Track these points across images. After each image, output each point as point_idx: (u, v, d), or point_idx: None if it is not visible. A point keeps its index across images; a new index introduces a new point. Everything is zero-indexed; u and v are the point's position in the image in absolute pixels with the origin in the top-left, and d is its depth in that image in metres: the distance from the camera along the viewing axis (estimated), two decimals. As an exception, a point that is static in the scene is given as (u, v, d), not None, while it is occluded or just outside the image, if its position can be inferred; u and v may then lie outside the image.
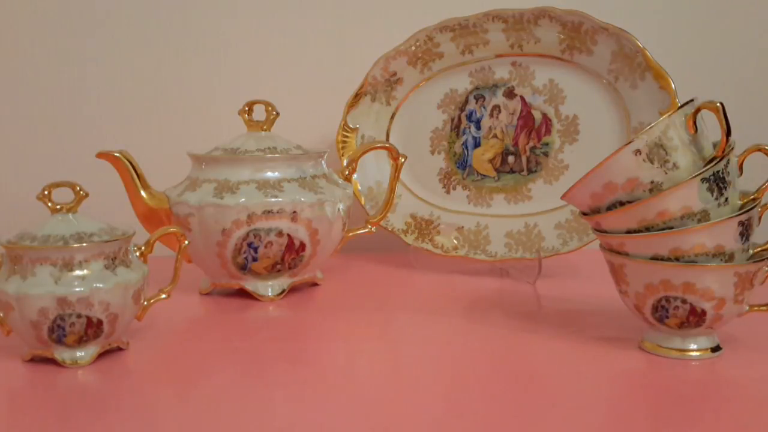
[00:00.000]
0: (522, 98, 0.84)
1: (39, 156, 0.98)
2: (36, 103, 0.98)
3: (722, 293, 0.53)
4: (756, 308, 0.57)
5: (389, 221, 0.88)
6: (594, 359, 0.57)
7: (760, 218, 0.56)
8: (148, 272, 0.60)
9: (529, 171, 0.85)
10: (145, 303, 0.61)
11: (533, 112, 0.84)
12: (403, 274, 0.86)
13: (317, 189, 0.73)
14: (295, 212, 0.71)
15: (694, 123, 0.54)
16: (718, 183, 0.53)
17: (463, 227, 0.87)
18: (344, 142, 0.88)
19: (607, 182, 0.55)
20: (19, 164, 0.98)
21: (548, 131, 0.84)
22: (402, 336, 0.65)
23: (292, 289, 0.77)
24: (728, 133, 0.54)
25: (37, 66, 0.97)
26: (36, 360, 0.57)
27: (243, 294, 0.75)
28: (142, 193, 0.72)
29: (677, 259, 0.53)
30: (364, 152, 0.81)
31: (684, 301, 0.54)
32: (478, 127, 0.86)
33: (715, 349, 0.57)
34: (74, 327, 0.55)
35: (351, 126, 0.88)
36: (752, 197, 0.55)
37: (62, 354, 0.56)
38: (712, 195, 0.53)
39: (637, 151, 0.53)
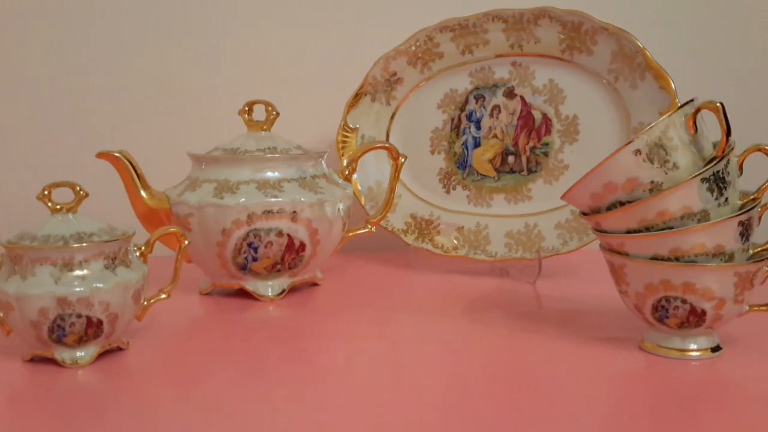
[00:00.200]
0: (522, 98, 0.84)
1: (39, 156, 0.98)
2: (36, 103, 0.98)
3: (722, 293, 0.53)
4: (756, 308, 0.57)
5: (389, 221, 0.88)
6: (594, 359, 0.57)
7: (760, 218, 0.56)
8: (148, 272, 0.60)
9: (529, 171, 0.85)
10: (145, 303, 0.61)
11: (533, 112, 0.84)
12: (403, 274, 0.86)
13: (317, 189, 0.73)
14: (295, 212, 0.71)
15: (694, 123, 0.54)
16: (718, 183, 0.53)
17: (463, 227, 0.87)
18: (344, 142, 0.88)
19: (607, 182, 0.55)
20: (19, 164, 0.98)
21: (548, 131, 0.84)
22: (402, 336, 0.65)
23: (292, 289, 0.77)
24: (728, 133, 0.54)
25: (37, 66, 0.97)
26: (36, 360, 0.57)
27: (243, 294, 0.75)
28: (142, 193, 0.72)
29: (677, 259, 0.53)
30: (364, 152, 0.81)
31: (684, 301, 0.54)
32: (478, 127, 0.86)
33: (715, 349, 0.57)
34: (74, 327, 0.55)
35: (351, 126, 0.88)
36: (752, 197, 0.55)
37: (62, 354, 0.56)
38: (712, 195, 0.53)
39: (637, 151, 0.53)
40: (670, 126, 0.54)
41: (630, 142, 0.53)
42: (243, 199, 0.70)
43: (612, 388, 0.52)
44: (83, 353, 0.57)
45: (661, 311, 0.55)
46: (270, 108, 0.78)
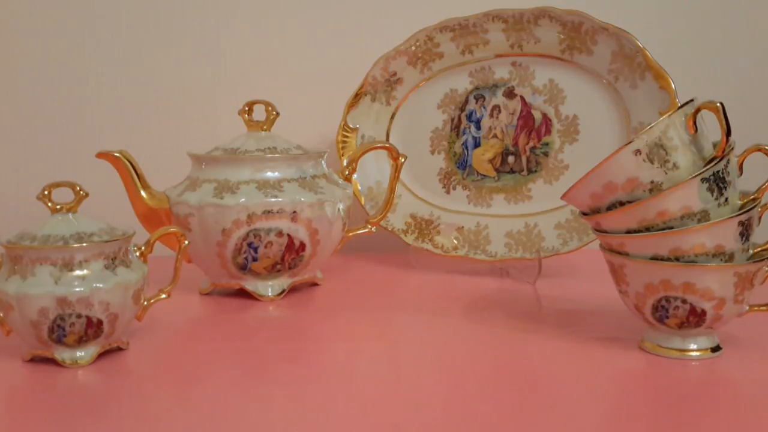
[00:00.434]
0: (522, 98, 0.84)
1: (39, 156, 0.98)
2: (36, 103, 0.98)
3: (722, 293, 0.53)
4: (756, 308, 0.57)
5: (389, 221, 0.88)
6: (594, 359, 0.57)
7: (760, 218, 0.56)
8: (148, 272, 0.60)
9: (529, 171, 0.85)
10: (145, 303, 0.61)
11: (533, 112, 0.84)
12: (403, 274, 0.86)
13: (317, 189, 0.73)
14: (295, 212, 0.71)
15: (694, 123, 0.54)
16: (718, 183, 0.53)
17: (463, 227, 0.87)
18: (344, 142, 0.88)
19: (607, 182, 0.55)
20: (19, 164, 0.98)
21: (548, 131, 0.84)
22: (402, 336, 0.65)
23: (292, 289, 0.77)
24: (728, 133, 0.54)
25: (37, 66, 0.97)
26: (36, 360, 0.57)
27: (243, 294, 0.75)
28: (142, 193, 0.72)
29: (677, 259, 0.53)
30: (364, 152, 0.81)
31: (684, 301, 0.54)
32: (478, 127, 0.86)
33: (715, 349, 0.57)
34: (74, 327, 0.55)
35: (351, 126, 0.88)
36: (752, 197, 0.55)
37: (62, 354, 0.56)
38: (712, 195, 0.53)
39: (637, 151, 0.53)
40: (670, 126, 0.54)
41: (630, 142, 0.53)
42: (243, 199, 0.70)
43: (612, 388, 0.52)
44: (83, 353, 0.57)
45: (661, 311, 0.55)
46: (270, 108, 0.78)
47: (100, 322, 0.56)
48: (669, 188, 0.53)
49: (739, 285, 0.54)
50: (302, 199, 0.71)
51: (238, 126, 0.79)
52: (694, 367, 0.55)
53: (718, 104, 0.53)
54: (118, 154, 0.71)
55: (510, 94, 0.85)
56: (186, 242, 0.63)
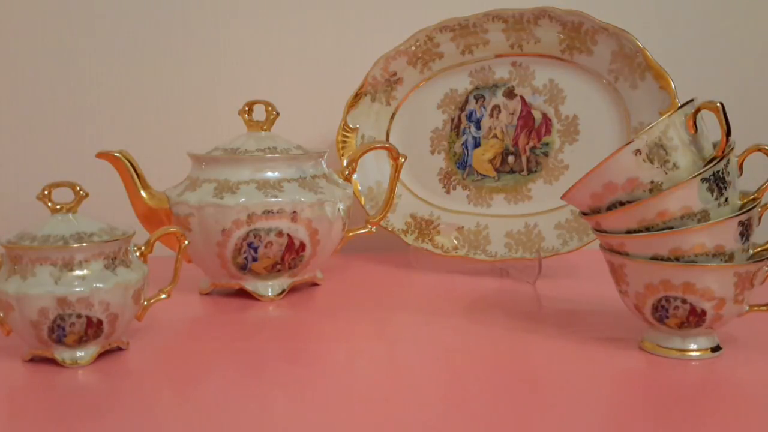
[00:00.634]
0: (522, 98, 0.84)
1: (39, 156, 0.98)
2: (36, 103, 0.98)
3: (722, 293, 0.53)
4: (756, 308, 0.57)
5: (389, 221, 0.88)
6: (594, 359, 0.57)
7: (760, 218, 0.56)
8: (148, 272, 0.60)
9: (529, 171, 0.85)
10: (145, 303, 0.61)
11: (533, 112, 0.84)
12: (403, 274, 0.86)
13: (317, 189, 0.73)
14: (295, 212, 0.71)
15: (694, 123, 0.54)
16: (718, 183, 0.53)
17: (463, 227, 0.87)
18: (344, 142, 0.88)
19: (607, 182, 0.55)
20: (19, 164, 0.98)
21: (548, 131, 0.84)
22: (402, 336, 0.65)
23: (292, 289, 0.77)
24: (728, 133, 0.54)
25: (37, 66, 0.97)
26: (36, 360, 0.57)
27: (243, 294, 0.75)
28: (142, 193, 0.72)
29: (677, 259, 0.53)
30: (364, 152, 0.81)
31: (684, 301, 0.54)
32: (478, 127, 0.86)
33: (715, 349, 0.57)
34: (74, 327, 0.55)
35: (351, 126, 0.88)
36: (752, 197, 0.55)
37: (62, 354, 0.56)
38: (712, 195, 0.53)
39: (637, 151, 0.53)
40: (670, 126, 0.54)
41: (630, 142, 0.53)
42: (243, 199, 0.70)
43: (612, 388, 0.52)
44: (83, 353, 0.57)
45: (661, 311, 0.55)
46: (270, 108, 0.78)
47: (100, 322, 0.56)
48: (669, 188, 0.53)
49: (739, 285, 0.54)
50: (302, 199, 0.71)
51: (238, 126, 0.79)
52: (694, 367, 0.55)
53: (718, 104, 0.53)
54: (118, 154, 0.71)
55: (510, 94, 0.85)
56: (186, 242, 0.63)
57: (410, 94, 0.89)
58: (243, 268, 0.73)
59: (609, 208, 0.56)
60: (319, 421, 0.47)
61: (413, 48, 0.86)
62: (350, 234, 0.80)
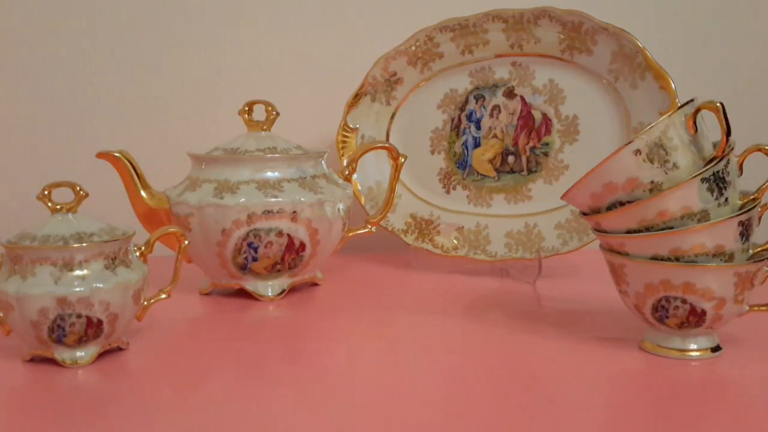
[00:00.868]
0: (522, 98, 0.84)
1: (39, 156, 0.98)
2: (36, 103, 0.98)
3: (722, 293, 0.53)
4: (756, 308, 0.57)
5: (389, 221, 0.88)
6: (594, 359, 0.57)
7: (760, 218, 0.56)
8: (148, 272, 0.60)
9: (529, 171, 0.85)
10: (145, 303, 0.61)
11: (533, 112, 0.84)
12: (403, 274, 0.86)
13: (317, 189, 0.73)
14: (295, 212, 0.71)
15: (694, 123, 0.54)
16: (718, 183, 0.53)
17: (463, 227, 0.87)
18: (344, 142, 0.88)
19: (607, 182, 0.55)
20: (19, 164, 0.98)
21: (548, 131, 0.84)
22: (402, 336, 0.65)
23: (292, 289, 0.77)
24: (728, 133, 0.54)
25: (37, 66, 0.97)
26: (36, 360, 0.57)
27: (243, 294, 0.75)
28: (142, 193, 0.72)
29: (677, 259, 0.53)
30: (364, 152, 0.81)
31: (684, 301, 0.54)
32: (478, 127, 0.86)
33: (715, 349, 0.57)
34: (74, 327, 0.55)
35: (351, 126, 0.88)
36: (752, 197, 0.55)
37: (62, 354, 0.56)
38: (712, 195, 0.53)
39: (637, 151, 0.53)
40: (670, 126, 0.54)
41: (630, 142, 0.53)
42: (243, 199, 0.70)
43: (612, 388, 0.52)
44: (83, 353, 0.57)
45: (661, 311, 0.55)
46: (270, 108, 0.78)
47: (100, 322, 0.56)
48: (669, 188, 0.53)
49: (739, 285, 0.54)
50: (302, 199, 0.71)
51: (238, 126, 0.79)
52: (694, 367, 0.55)
53: (718, 104, 0.53)
54: (118, 154, 0.71)
55: (510, 94, 0.85)
56: (186, 242, 0.63)
57: (410, 94, 0.89)
58: (243, 268, 0.73)
59: (609, 208, 0.56)
60: (319, 421, 0.47)
61: (413, 48, 0.86)
62: (350, 234, 0.80)
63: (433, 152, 0.88)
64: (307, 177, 0.74)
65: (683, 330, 0.56)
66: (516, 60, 0.84)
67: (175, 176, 0.82)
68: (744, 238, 0.54)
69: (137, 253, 0.60)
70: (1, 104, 0.97)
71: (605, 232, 0.57)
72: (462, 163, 0.87)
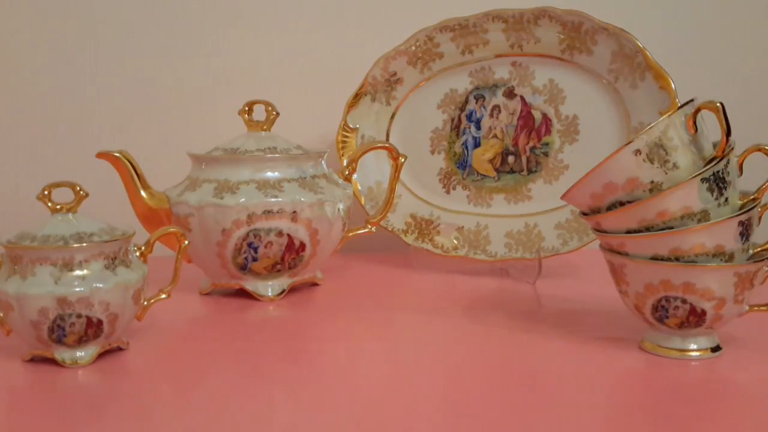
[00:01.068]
0: (522, 98, 0.84)
1: (39, 156, 0.98)
2: (36, 103, 0.98)
3: (722, 293, 0.53)
4: (756, 308, 0.57)
5: (389, 221, 0.88)
6: (594, 359, 0.57)
7: (760, 218, 0.56)
8: (148, 272, 0.60)
9: (529, 171, 0.85)
10: (145, 303, 0.61)
11: (533, 112, 0.84)
12: (403, 274, 0.86)
13: (317, 189, 0.73)
14: (295, 212, 0.71)
15: (694, 123, 0.54)
16: (718, 183, 0.53)
17: (463, 227, 0.87)
18: (344, 142, 0.88)
19: (607, 182, 0.55)
20: (19, 164, 0.98)
21: (548, 131, 0.84)
22: (402, 336, 0.65)
23: (292, 289, 0.77)
24: (728, 133, 0.54)
25: (37, 66, 0.97)
26: (36, 360, 0.57)
27: (243, 294, 0.75)
28: (142, 193, 0.72)
29: (677, 259, 0.53)
30: (364, 152, 0.81)
31: (684, 301, 0.54)
32: (478, 127, 0.86)
33: (715, 349, 0.57)
34: (74, 327, 0.55)
35: (351, 126, 0.88)
36: (752, 197, 0.55)
37: (62, 354, 0.56)
38: (712, 195, 0.53)
39: (637, 151, 0.53)
40: (670, 126, 0.54)
41: (630, 142, 0.53)
42: (243, 199, 0.70)
43: (612, 388, 0.52)
44: (83, 353, 0.57)
45: (661, 311, 0.55)
46: (270, 108, 0.78)
47: (100, 322, 0.56)
48: (669, 188, 0.53)
49: (739, 285, 0.54)
50: (302, 199, 0.71)
51: (238, 126, 0.79)
52: (694, 367, 0.55)
53: (718, 104, 0.53)
54: (118, 154, 0.71)
55: (510, 94, 0.85)
56: (186, 242, 0.63)
57: (410, 94, 0.89)
58: (243, 268, 0.73)
59: (609, 208, 0.56)
60: (319, 421, 0.47)
61: (413, 48, 0.86)
62: (350, 234, 0.80)
63: (433, 152, 0.88)
64: (307, 177, 0.74)
65: (683, 330, 0.56)
66: (516, 60, 0.84)
67: (175, 176, 0.82)
68: (744, 238, 0.54)
69: (137, 253, 0.60)
70: (1, 104, 0.97)
71: (605, 232, 0.57)
72: (462, 163, 0.87)
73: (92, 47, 0.97)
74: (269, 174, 0.72)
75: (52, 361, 0.57)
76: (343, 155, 0.86)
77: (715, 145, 0.55)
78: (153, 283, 0.62)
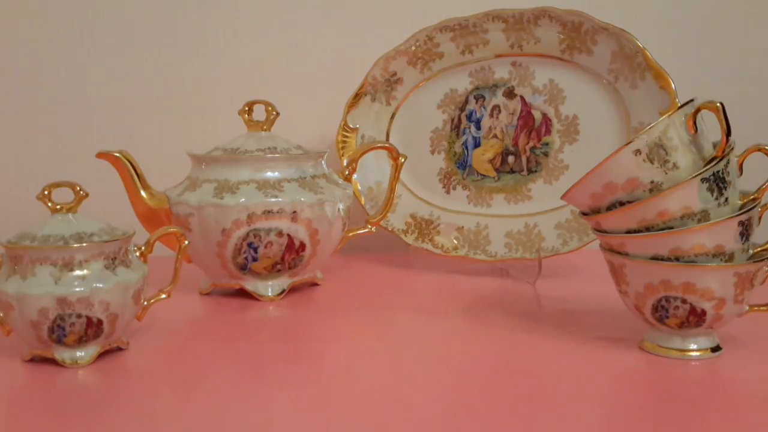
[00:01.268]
0: (522, 98, 0.84)
1: (39, 156, 0.98)
2: (36, 103, 0.98)
3: (722, 293, 0.53)
4: (756, 308, 0.57)
5: (389, 221, 0.88)
6: (594, 359, 0.57)
7: (760, 218, 0.56)
8: (148, 272, 0.60)
9: (529, 171, 0.85)
10: (145, 303, 0.61)
11: (533, 112, 0.84)
12: (403, 274, 0.86)
13: (317, 189, 0.73)
14: (295, 212, 0.71)
15: (694, 123, 0.54)
16: (718, 183, 0.53)
17: (463, 227, 0.87)
18: (344, 142, 0.88)
19: (607, 182, 0.55)
20: (19, 164, 0.98)
21: (548, 131, 0.84)
22: (402, 336, 0.65)
23: (292, 289, 0.77)
24: (728, 133, 0.54)
25: (37, 66, 0.97)
26: (36, 360, 0.57)
27: (243, 294, 0.75)
28: (142, 193, 0.72)
29: (677, 259, 0.53)
30: (364, 152, 0.81)
31: (684, 301, 0.54)
32: (478, 127, 0.86)
33: (715, 349, 0.57)
34: (74, 327, 0.55)
35: (351, 126, 0.88)
36: (752, 197, 0.55)
37: (62, 354, 0.56)
38: (712, 195, 0.53)
39: (637, 151, 0.53)
40: (670, 126, 0.54)
41: (630, 142, 0.53)
42: (243, 199, 0.70)
43: (612, 388, 0.52)
44: (83, 353, 0.57)
45: (661, 311, 0.55)
46: (270, 108, 0.78)
47: (100, 322, 0.56)
48: (669, 188, 0.53)
49: (739, 285, 0.54)
50: (302, 199, 0.71)
51: (238, 126, 0.79)
52: (694, 367, 0.55)
53: (718, 104, 0.53)
54: (118, 154, 0.71)
55: (510, 94, 0.85)
56: (186, 242, 0.63)
57: (410, 94, 0.89)
58: (243, 268, 0.73)
59: (609, 208, 0.56)
60: (318, 421, 0.47)
61: (413, 48, 0.86)
62: (350, 234, 0.80)
63: (433, 152, 0.88)
64: (307, 177, 0.74)
65: (683, 330, 0.56)
66: (516, 60, 0.84)
67: (175, 176, 0.82)
68: (744, 238, 0.54)
69: (137, 253, 0.60)
70: (1, 104, 0.97)
71: (605, 232, 0.57)
72: (462, 163, 0.87)
73: (92, 47, 0.97)
74: (269, 174, 0.72)
75: (52, 361, 0.57)
76: (343, 155, 0.86)
77: (715, 145, 0.55)
78: (153, 283, 0.62)
